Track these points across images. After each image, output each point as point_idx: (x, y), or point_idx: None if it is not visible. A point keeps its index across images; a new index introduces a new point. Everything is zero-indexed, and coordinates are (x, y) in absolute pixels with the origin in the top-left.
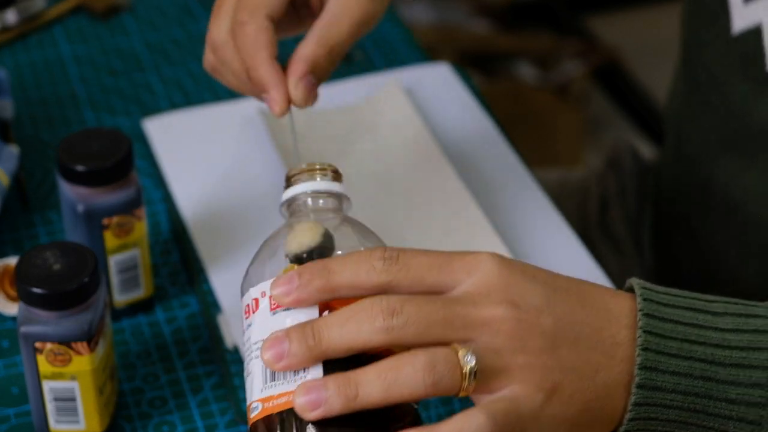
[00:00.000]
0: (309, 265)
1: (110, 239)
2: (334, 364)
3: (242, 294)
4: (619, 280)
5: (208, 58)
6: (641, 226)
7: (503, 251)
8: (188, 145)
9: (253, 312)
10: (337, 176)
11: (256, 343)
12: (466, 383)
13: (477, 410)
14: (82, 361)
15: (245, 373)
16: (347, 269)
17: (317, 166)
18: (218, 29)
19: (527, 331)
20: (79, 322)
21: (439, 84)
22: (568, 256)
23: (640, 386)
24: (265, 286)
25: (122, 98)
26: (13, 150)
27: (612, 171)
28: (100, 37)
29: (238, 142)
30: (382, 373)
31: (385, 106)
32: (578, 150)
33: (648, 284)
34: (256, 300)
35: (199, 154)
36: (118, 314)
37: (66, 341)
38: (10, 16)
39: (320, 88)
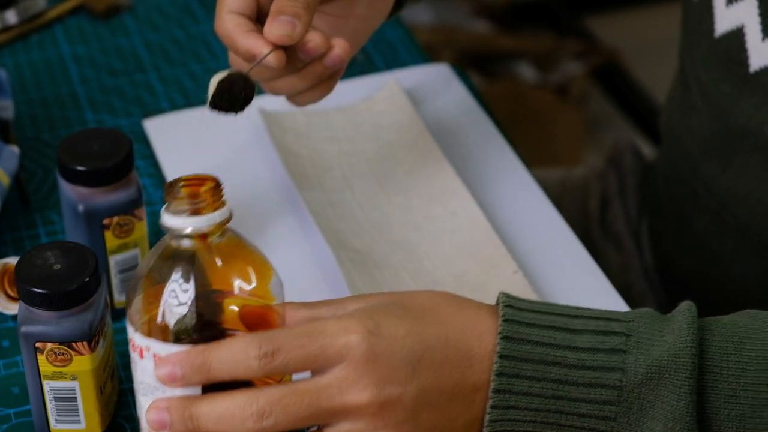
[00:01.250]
0: (190, 358)
1: (111, 239)
2: None
3: (127, 306)
4: (619, 277)
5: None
6: (641, 224)
7: (502, 251)
8: (188, 145)
9: (139, 357)
10: (216, 197)
11: (141, 383)
12: None
13: None
14: (83, 361)
15: (136, 395)
16: (225, 367)
17: (198, 201)
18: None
19: (389, 411)
20: (80, 321)
21: (439, 84)
22: (567, 255)
23: (494, 407)
24: (151, 344)
25: (122, 98)
26: (13, 150)
27: (613, 169)
28: (100, 37)
29: (238, 142)
30: None
31: (384, 106)
32: (578, 150)
33: (514, 301)
34: (141, 350)
35: (199, 154)
36: (118, 314)
37: (67, 341)
38: (11, 16)
39: None
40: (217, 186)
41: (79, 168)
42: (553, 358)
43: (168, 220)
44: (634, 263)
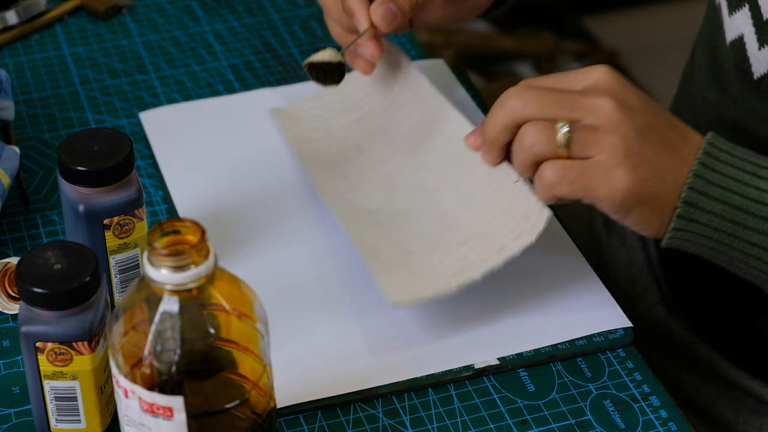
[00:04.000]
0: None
1: (111, 239)
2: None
3: (109, 338)
4: (624, 272)
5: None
6: None
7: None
8: (185, 140)
9: (123, 395)
10: (200, 249)
11: (126, 416)
12: (557, 147)
13: (546, 164)
14: (83, 361)
15: (120, 423)
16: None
17: (181, 258)
18: None
19: (622, 120)
20: (80, 321)
21: (438, 84)
22: (563, 256)
23: (680, 216)
24: (135, 389)
25: (123, 98)
26: (14, 150)
27: None
28: (100, 37)
29: (236, 137)
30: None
31: (388, 65)
32: None
33: (719, 141)
34: (126, 390)
35: (195, 147)
36: None
37: (67, 341)
38: (11, 17)
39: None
40: (202, 238)
41: (80, 168)
42: (738, 188)
43: (150, 270)
44: (638, 257)
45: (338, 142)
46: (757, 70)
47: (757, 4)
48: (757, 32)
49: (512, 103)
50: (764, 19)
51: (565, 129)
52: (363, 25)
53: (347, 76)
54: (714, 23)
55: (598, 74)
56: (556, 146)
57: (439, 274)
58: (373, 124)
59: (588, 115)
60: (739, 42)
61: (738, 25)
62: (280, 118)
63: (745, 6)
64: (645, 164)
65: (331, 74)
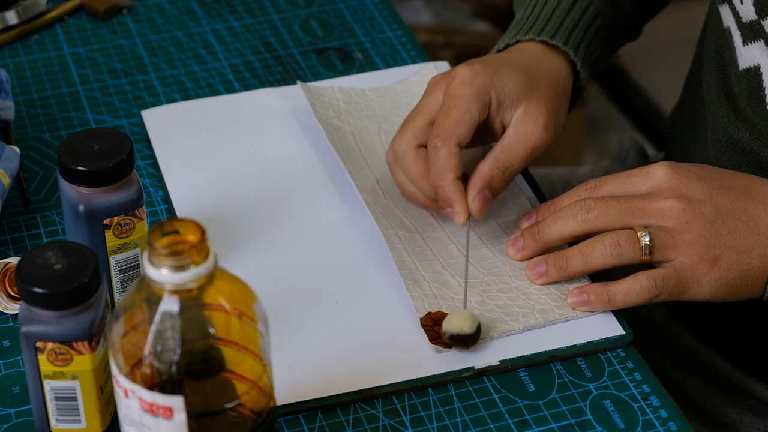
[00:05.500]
0: (526, 231)
1: (111, 239)
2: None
3: (109, 338)
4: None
5: (389, 157)
6: None
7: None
8: (185, 139)
9: (124, 395)
10: (200, 249)
11: (126, 416)
12: (642, 255)
13: (642, 274)
14: (83, 361)
15: (120, 423)
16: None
17: (180, 258)
18: (401, 140)
19: (692, 216)
20: (81, 321)
21: None
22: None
23: None
24: (136, 388)
25: (123, 98)
26: (14, 150)
27: (617, 166)
28: (100, 37)
29: (236, 136)
30: (583, 250)
31: (421, 89)
32: (578, 150)
33: None
34: (126, 391)
35: (196, 147)
36: None
37: (67, 341)
38: (11, 17)
39: (328, 81)
40: (202, 238)
41: (80, 168)
42: None
43: (150, 270)
44: None
45: (367, 147)
46: None
47: None
48: None
49: (586, 216)
50: None
51: (647, 239)
52: (461, 217)
53: (376, 90)
54: (723, 44)
55: (658, 175)
56: (641, 254)
57: (479, 317)
58: None
59: (658, 219)
60: (755, 71)
61: (753, 55)
62: (309, 96)
63: (760, 40)
64: (726, 251)
65: (471, 339)
